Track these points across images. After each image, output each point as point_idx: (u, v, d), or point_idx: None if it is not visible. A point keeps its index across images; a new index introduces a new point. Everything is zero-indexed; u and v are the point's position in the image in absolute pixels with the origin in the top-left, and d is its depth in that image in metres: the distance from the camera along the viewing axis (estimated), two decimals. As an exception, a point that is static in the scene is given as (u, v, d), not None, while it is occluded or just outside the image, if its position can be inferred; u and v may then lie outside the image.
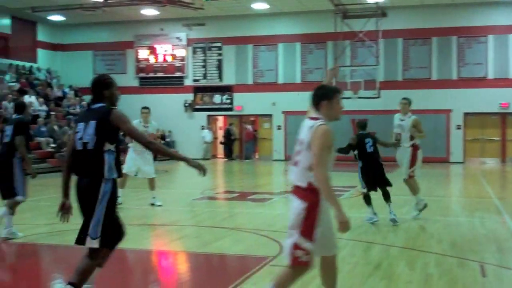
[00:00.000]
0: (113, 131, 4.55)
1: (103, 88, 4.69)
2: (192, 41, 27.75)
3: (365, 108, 24.37)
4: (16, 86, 23.73)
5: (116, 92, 4.76)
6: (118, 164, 4.62)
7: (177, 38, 27.93)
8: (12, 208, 7.78)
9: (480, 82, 24.16)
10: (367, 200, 9.23)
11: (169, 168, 22.24)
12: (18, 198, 7.74)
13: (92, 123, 4.52)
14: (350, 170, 21.16)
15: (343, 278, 5.93)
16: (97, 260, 4.55)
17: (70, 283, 4.44)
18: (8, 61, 25.50)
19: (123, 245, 7.68)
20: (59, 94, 26.30)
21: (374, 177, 9.11)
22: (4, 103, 21.25)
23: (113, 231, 4.54)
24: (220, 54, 27.50)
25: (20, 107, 8.15)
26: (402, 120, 9.44)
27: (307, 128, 4.30)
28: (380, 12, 23.04)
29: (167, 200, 12.06)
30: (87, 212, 4.50)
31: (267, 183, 16.54)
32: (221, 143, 28.25)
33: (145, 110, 11.27)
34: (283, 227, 7.59)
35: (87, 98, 27.55)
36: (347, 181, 17.05)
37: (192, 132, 27.17)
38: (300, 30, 26.19)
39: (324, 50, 26.01)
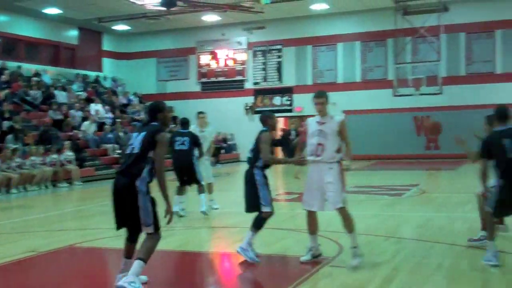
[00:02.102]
0: (154, 145, 5.37)
1: (157, 111, 5.64)
2: (253, 44, 28.01)
3: (427, 105, 24.01)
4: (83, 95, 24.65)
5: (168, 115, 5.78)
6: (152, 172, 5.41)
7: (238, 42, 28.25)
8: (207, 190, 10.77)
9: (548, 74, 23.28)
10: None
11: (230, 171, 22.56)
12: (203, 182, 10.58)
13: (143, 134, 5.46)
14: (411, 168, 20.97)
15: (405, 277, 5.93)
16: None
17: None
18: (75, 71, 26.51)
19: (185, 248, 7.92)
20: (124, 101, 27.11)
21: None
22: (72, 111, 22.11)
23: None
24: (280, 56, 27.64)
25: (186, 124, 10.61)
26: (322, 123, 6.51)
27: None
28: (442, 6, 22.59)
29: (228, 202, 12.26)
30: (126, 206, 5.33)
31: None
32: (275, 145, 28.30)
33: (201, 115, 11.47)
34: (341, 227, 7.60)
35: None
36: (408, 179, 16.85)
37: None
38: (360, 28, 25.98)
39: (384, 47, 25.70)
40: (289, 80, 27.41)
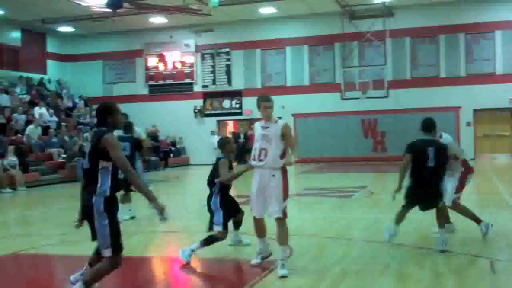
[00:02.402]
0: (105, 153, 4.94)
1: (106, 114, 5.15)
2: (201, 47, 27.88)
3: (374, 108, 24.44)
4: (27, 98, 23.98)
5: (118, 117, 5.24)
6: (114, 182, 5.00)
7: (186, 45, 28.07)
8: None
9: (489, 78, 24.03)
10: None
11: (180, 175, 22.37)
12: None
13: (90, 145, 5.06)
14: (360, 170, 21.29)
15: (354, 278, 5.98)
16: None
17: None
18: (19, 74, 25.74)
19: (133, 253, 7.77)
20: (69, 104, 26.51)
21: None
22: (15, 115, 21.47)
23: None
24: (228, 59, 27.60)
25: (128, 127, 10.26)
26: (265, 128, 6.35)
27: None
28: (387, 12, 23.04)
29: (177, 206, 12.14)
30: (92, 225, 5.03)
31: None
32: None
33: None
34: (291, 230, 7.62)
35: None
36: (357, 181, 17.10)
37: (203, 137, 27.27)
38: (308, 32, 26.23)
39: (331, 51, 26.00)
40: (238, 83, 27.41)
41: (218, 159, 7.13)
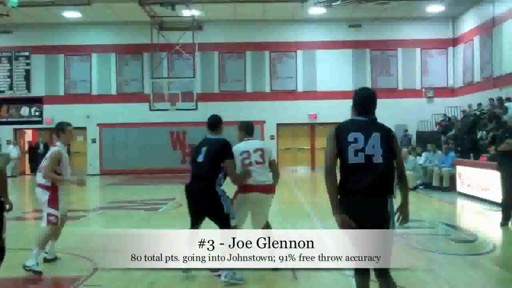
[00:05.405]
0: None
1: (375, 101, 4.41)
2: (-4, 49, 25.71)
3: (183, 120, 24.48)
4: None
5: None
6: None
7: (-21, 45, 25.68)
8: None
9: (291, 94, 25.46)
10: None
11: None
12: None
13: (376, 136, 4.23)
14: (168, 182, 21.14)
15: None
16: None
17: None
18: None
19: None
20: None
21: None
22: None
23: None
24: (28, 64, 25.76)
25: None
26: None
27: None
28: (196, 25, 23.25)
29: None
30: None
31: (81, 199, 15.73)
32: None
33: None
34: (98, 244, 7.20)
35: None
36: (165, 193, 16.90)
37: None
38: (115, 40, 25.52)
39: (140, 61, 25.61)
40: (38, 89, 25.68)
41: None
